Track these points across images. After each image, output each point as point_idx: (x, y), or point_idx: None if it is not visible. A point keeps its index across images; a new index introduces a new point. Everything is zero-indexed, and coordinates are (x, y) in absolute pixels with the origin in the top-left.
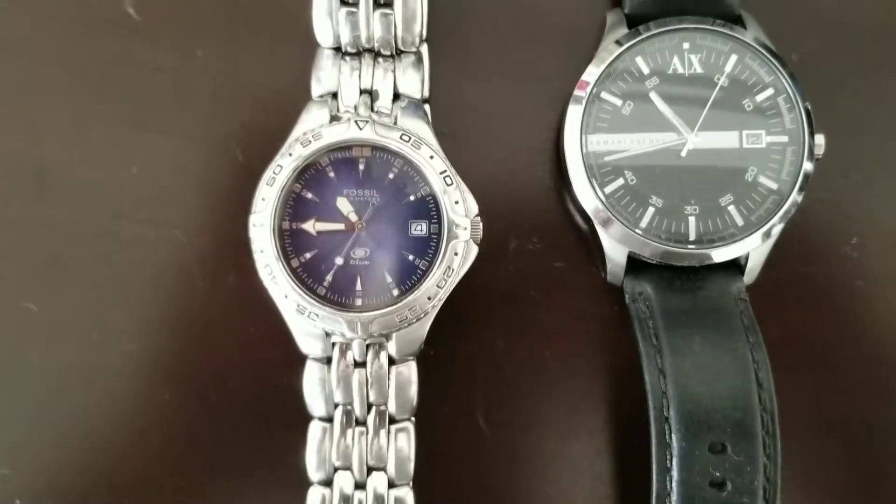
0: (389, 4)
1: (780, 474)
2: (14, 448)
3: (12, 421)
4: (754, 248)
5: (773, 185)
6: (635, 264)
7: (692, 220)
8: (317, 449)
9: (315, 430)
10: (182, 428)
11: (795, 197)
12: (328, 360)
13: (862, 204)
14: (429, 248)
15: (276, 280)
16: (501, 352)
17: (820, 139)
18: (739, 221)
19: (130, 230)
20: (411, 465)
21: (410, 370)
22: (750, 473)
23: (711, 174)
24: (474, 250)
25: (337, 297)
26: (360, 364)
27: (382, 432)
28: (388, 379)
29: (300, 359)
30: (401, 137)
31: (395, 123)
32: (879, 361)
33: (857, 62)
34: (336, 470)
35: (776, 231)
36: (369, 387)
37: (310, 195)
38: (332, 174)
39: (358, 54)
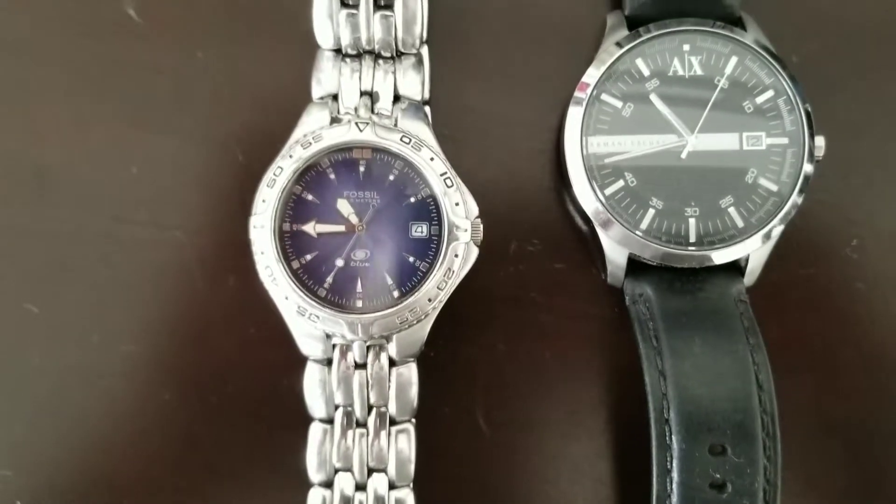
0: (390, 6)
1: (780, 476)
2: (15, 449)
3: (13, 422)
4: (754, 250)
5: (774, 187)
6: (635, 266)
7: (692, 221)
8: (317, 450)
9: (315, 431)
10: (182, 429)
11: (795, 199)
12: (328, 362)
13: (862, 206)
14: (429, 249)
15: (277, 282)
16: (502, 353)
17: (820, 141)
18: (740, 223)
19: (130, 231)
20: (412, 467)
21: (411, 372)
22: (750, 475)
23: (712, 176)
24: (475, 252)
25: (337, 298)
26: (360, 365)
27: (383, 434)
28: (389, 380)
29: (300, 360)
30: (401, 139)
31: (396, 125)
32: (880, 363)
33: (858, 64)
34: (336, 471)
35: (776, 233)
36: (370, 388)
37: (310, 197)
38: (332, 176)
39: (358, 56)
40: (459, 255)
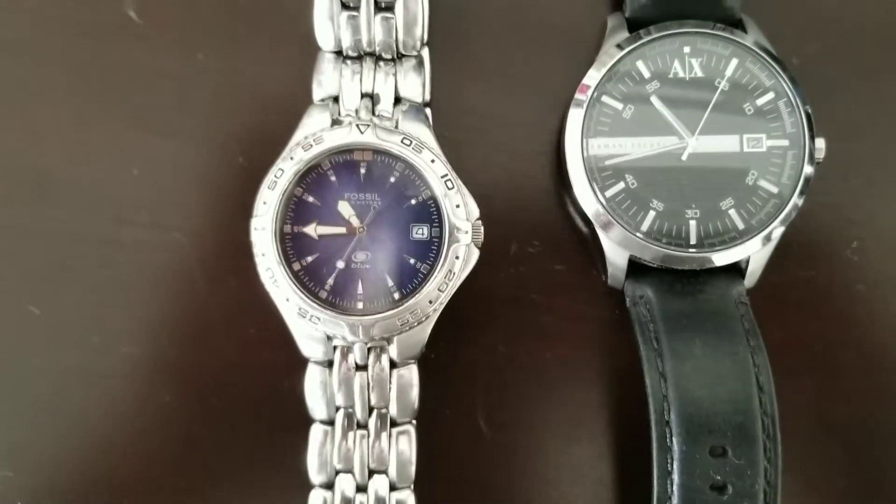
0: (390, 8)
1: (780, 478)
2: (15, 450)
3: (14, 423)
4: (755, 252)
5: (774, 189)
6: (636, 268)
7: (693, 223)
8: (318, 452)
9: (316, 433)
10: (182, 429)
11: (796, 200)
12: (329, 364)
13: (862, 207)
14: (430, 251)
15: (278, 283)
16: (502, 355)
17: (820, 143)
18: (740, 225)
19: (131, 232)
20: (412, 468)
21: (412, 373)
22: (750, 477)
23: (712, 178)
24: (475, 254)
25: (338, 300)
26: (361, 367)
27: (384, 435)
28: (390, 382)
29: (301, 362)
30: (402, 141)
31: (397, 127)
32: (880, 365)
33: (858, 66)
34: (337, 473)
35: (777, 235)
36: (370, 390)
37: (311, 199)
38: (333, 178)
39: (359, 58)
40: (460, 257)
